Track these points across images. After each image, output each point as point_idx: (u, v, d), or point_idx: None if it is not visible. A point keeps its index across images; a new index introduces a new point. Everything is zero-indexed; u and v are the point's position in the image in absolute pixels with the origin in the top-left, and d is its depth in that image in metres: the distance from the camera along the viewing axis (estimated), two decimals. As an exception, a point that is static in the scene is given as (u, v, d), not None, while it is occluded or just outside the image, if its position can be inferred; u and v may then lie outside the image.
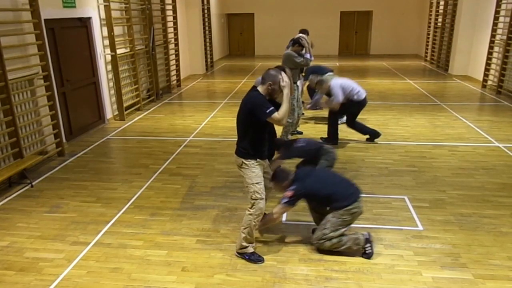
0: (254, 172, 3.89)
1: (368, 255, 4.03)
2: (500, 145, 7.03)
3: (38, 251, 4.24)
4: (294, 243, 4.29)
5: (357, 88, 7.11)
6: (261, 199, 3.87)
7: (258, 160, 3.92)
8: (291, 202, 3.91)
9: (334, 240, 3.95)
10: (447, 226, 4.55)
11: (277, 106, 3.75)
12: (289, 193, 3.90)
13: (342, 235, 3.98)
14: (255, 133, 3.88)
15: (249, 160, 3.89)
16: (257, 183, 3.87)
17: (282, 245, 4.26)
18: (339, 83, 7.04)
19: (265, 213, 4.01)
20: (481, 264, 3.88)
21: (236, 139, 4.01)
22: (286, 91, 3.74)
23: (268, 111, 3.65)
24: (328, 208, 4.06)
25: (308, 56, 7.11)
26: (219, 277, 3.77)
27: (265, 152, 4.07)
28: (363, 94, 7.12)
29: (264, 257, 4.03)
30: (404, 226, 4.55)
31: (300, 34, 7.72)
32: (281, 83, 3.74)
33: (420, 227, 4.53)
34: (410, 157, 6.59)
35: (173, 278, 3.78)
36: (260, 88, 3.82)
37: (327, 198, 4.00)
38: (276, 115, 3.66)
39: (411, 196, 5.27)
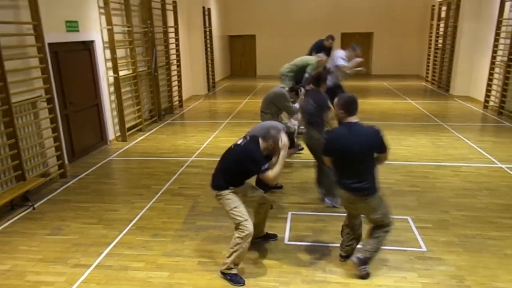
0: (230, 199, 3.93)
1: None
2: (503, 166, 7.01)
3: (39, 274, 4.21)
4: (297, 264, 4.26)
5: None
6: (245, 220, 3.86)
7: (231, 188, 3.98)
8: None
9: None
10: (451, 247, 4.51)
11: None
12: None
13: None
14: (239, 177, 4.03)
15: (222, 191, 3.97)
16: (235, 207, 3.90)
17: (284, 266, 4.23)
18: None
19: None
20: (486, 287, 3.83)
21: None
22: (283, 153, 3.79)
23: (263, 168, 3.75)
24: None
25: (297, 105, 7.11)
26: (221, 300, 3.74)
27: (242, 183, 4.12)
28: None
29: (266, 278, 4.01)
30: (407, 247, 4.52)
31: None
32: (280, 144, 3.79)
33: (424, 248, 4.49)
34: (413, 177, 6.57)
35: (175, 301, 3.74)
36: (261, 143, 3.89)
37: None
38: (268, 173, 3.75)
39: (414, 216, 5.24)
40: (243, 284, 3.93)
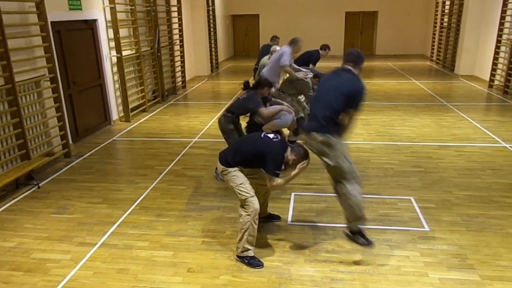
0: (236, 176, 3.92)
1: None
2: (507, 145, 6.99)
3: (45, 252, 4.26)
4: (300, 244, 4.29)
5: None
6: (252, 196, 3.86)
7: (238, 166, 3.97)
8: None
9: None
10: (453, 227, 4.53)
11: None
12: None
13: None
14: (250, 164, 4.01)
15: (228, 168, 3.95)
16: (241, 183, 3.89)
17: (287, 246, 4.26)
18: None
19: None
20: (488, 265, 3.86)
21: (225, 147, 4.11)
22: (296, 172, 3.81)
23: (277, 172, 3.76)
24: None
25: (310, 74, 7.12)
26: (225, 278, 3.78)
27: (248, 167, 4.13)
28: None
29: (270, 258, 4.03)
30: (410, 227, 4.54)
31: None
32: (299, 165, 3.80)
33: (427, 228, 4.51)
34: (416, 157, 6.56)
35: (179, 279, 3.79)
36: (288, 152, 3.85)
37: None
38: (277, 180, 3.78)
39: (417, 196, 5.25)
40: (262, 266, 3.93)
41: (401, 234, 4.41)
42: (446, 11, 15.60)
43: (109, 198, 5.45)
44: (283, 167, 3.82)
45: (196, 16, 14.35)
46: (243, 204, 3.87)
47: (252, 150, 3.94)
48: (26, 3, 6.20)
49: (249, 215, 3.84)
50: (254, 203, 3.85)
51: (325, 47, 9.29)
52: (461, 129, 7.93)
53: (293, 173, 3.82)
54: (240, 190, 3.87)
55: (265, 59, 8.52)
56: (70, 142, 7.20)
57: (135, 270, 3.93)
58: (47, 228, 4.73)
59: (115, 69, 8.93)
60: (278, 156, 3.80)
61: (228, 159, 3.97)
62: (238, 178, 3.91)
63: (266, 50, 9.08)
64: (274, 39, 10.03)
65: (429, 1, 18.47)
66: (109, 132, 8.41)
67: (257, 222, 3.90)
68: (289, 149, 3.89)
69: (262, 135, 4.05)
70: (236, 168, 3.94)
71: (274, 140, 3.93)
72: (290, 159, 3.83)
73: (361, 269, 3.85)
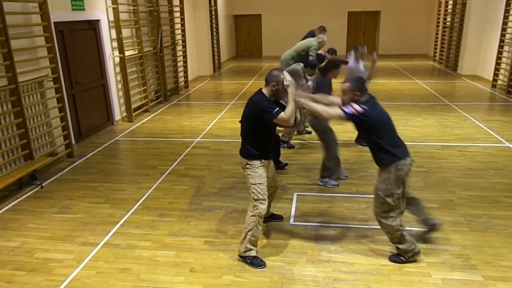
0: (258, 173, 3.87)
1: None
2: (510, 145, 6.96)
3: (48, 251, 4.27)
4: (302, 244, 4.28)
5: None
6: (263, 200, 3.84)
7: (262, 160, 3.91)
8: (350, 116, 3.66)
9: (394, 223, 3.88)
10: (456, 227, 4.52)
11: (283, 107, 3.75)
12: (356, 107, 3.64)
13: (401, 225, 3.87)
14: (260, 135, 3.88)
15: (253, 160, 3.88)
16: (259, 183, 3.85)
17: (290, 246, 4.26)
18: None
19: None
20: (491, 266, 3.85)
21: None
22: (290, 90, 3.71)
23: (274, 112, 3.65)
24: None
25: (309, 83, 7.14)
26: (227, 278, 3.78)
27: (270, 153, 4.06)
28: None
29: (272, 258, 4.03)
30: (413, 227, 4.52)
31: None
32: (285, 83, 3.71)
33: (429, 228, 4.50)
34: (419, 157, 6.54)
35: (182, 279, 3.79)
36: (264, 90, 3.81)
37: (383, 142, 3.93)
38: (283, 115, 3.65)
39: (420, 197, 5.20)
40: (265, 265, 3.93)
41: (404, 234, 4.40)
42: (449, 10, 15.56)
43: (112, 198, 5.46)
44: (277, 109, 3.68)
45: (198, 16, 14.36)
46: (253, 203, 3.86)
47: (246, 121, 3.89)
48: (29, 3, 6.22)
49: (254, 216, 3.83)
50: (262, 207, 3.83)
51: (332, 51, 9.10)
52: (464, 129, 7.91)
53: (289, 93, 3.70)
54: (255, 189, 3.84)
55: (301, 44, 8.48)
56: (73, 142, 7.21)
57: (138, 270, 3.93)
58: (50, 228, 4.74)
59: (117, 69, 8.94)
60: (260, 101, 3.74)
61: (246, 149, 3.91)
62: (259, 176, 3.86)
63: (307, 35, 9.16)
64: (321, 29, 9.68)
65: (432, 1, 18.42)
66: (111, 132, 8.42)
67: (261, 224, 3.90)
68: (263, 89, 3.82)
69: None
70: (259, 162, 3.88)
71: (250, 99, 3.89)
72: (272, 88, 3.75)
73: (364, 269, 3.85)
